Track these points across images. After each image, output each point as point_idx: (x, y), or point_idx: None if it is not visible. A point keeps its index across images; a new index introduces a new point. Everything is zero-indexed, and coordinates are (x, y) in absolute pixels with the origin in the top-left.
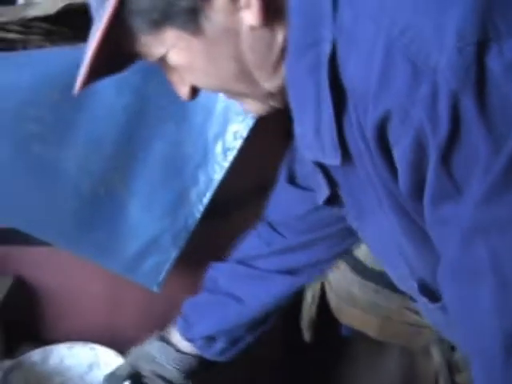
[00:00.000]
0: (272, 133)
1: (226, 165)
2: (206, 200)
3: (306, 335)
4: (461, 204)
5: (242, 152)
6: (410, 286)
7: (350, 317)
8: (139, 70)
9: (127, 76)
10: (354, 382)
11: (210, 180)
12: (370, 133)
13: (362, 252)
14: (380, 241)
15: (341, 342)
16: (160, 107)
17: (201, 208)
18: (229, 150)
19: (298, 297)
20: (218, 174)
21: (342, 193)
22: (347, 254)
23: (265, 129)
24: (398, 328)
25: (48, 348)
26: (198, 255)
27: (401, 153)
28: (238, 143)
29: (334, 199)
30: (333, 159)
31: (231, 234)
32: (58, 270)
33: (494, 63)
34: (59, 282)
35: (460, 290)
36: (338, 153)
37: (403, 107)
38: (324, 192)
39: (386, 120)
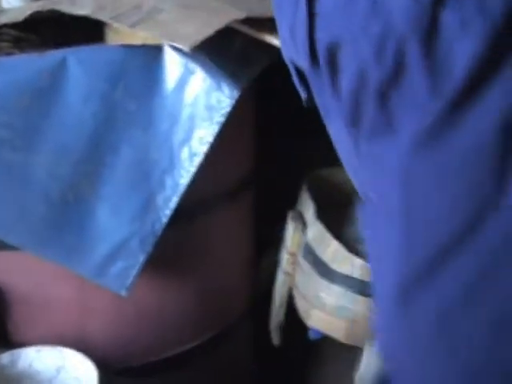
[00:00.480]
0: (240, 139)
1: (193, 170)
2: (172, 205)
3: (275, 339)
4: (394, 143)
5: (209, 157)
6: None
7: (317, 320)
8: (107, 77)
9: (95, 83)
10: None
11: (177, 185)
12: (322, 53)
13: (327, 255)
14: (339, 144)
15: (310, 346)
16: (127, 113)
17: (168, 213)
18: (195, 155)
19: (266, 301)
20: (184, 179)
21: (314, 93)
22: (313, 257)
23: (232, 134)
24: (365, 331)
25: (16, 352)
26: (166, 259)
27: (345, 80)
28: (204, 148)
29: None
30: (303, 61)
31: (197, 238)
32: (27, 274)
33: (448, 17)
34: (29, 287)
35: (373, 228)
36: (307, 55)
37: (356, 37)
38: (303, 93)
39: (337, 45)
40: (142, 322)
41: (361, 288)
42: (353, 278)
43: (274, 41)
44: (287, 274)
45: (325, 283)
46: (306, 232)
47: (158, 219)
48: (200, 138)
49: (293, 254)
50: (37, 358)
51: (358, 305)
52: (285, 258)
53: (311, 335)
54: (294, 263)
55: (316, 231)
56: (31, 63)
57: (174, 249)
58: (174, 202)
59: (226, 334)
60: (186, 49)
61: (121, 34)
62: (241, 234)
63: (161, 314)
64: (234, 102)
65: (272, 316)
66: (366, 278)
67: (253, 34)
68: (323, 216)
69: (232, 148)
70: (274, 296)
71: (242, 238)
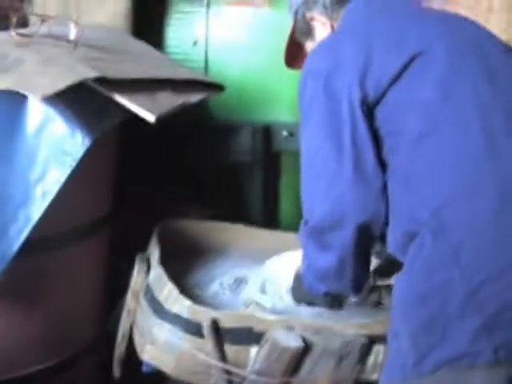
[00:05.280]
0: (97, 183)
1: (45, 206)
2: (23, 236)
3: (116, 371)
4: None
5: (65, 196)
6: None
7: (150, 354)
8: None
9: None
10: None
11: (29, 219)
12: None
13: (162, 296)
14: None
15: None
16: None
17: (19, 243)
18: (48, 193)
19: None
20: (36, 214)
21: None
22: (151, 296)
23: (89, 177)
24: (191, 367)
25: None
26: (16, 287)
27: None
28: (57, 188)
29: None
30: None
31: (49, 270)
32: None
33: None
34: None
35: None
36: None
37: None
38: None
39: None
40: None
41: (187, 327)
42: (181, 317)
43: (122, 100)
44: (129, 310)
45: (158, 320)
46: (149, 274)
47: (8, 248)
48: (53, 178)
49: (135, 293)
50: None
51: (183, 342)
52: (129, 295)
53: (144, 368)
54: (136, 301)
55: (156, 274)
56: None
57: (26, 278)
58: (25, 233)
59: (70, 362)
60: (37, 99)
61: None
62: (93, 271)
63: (6, 337)
64: (85, 149)
65: (115, 350)
66: (193, 319)
67: (104, 92)
68: (168, 261)
69: (88, 190)
70: (117, 331)
71: (94, 274)
